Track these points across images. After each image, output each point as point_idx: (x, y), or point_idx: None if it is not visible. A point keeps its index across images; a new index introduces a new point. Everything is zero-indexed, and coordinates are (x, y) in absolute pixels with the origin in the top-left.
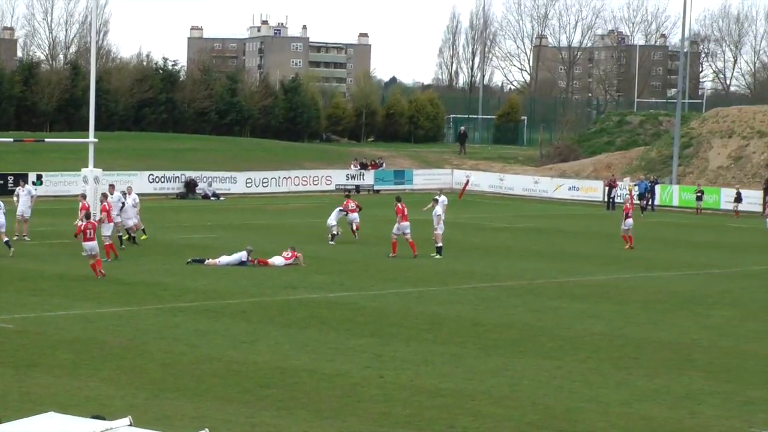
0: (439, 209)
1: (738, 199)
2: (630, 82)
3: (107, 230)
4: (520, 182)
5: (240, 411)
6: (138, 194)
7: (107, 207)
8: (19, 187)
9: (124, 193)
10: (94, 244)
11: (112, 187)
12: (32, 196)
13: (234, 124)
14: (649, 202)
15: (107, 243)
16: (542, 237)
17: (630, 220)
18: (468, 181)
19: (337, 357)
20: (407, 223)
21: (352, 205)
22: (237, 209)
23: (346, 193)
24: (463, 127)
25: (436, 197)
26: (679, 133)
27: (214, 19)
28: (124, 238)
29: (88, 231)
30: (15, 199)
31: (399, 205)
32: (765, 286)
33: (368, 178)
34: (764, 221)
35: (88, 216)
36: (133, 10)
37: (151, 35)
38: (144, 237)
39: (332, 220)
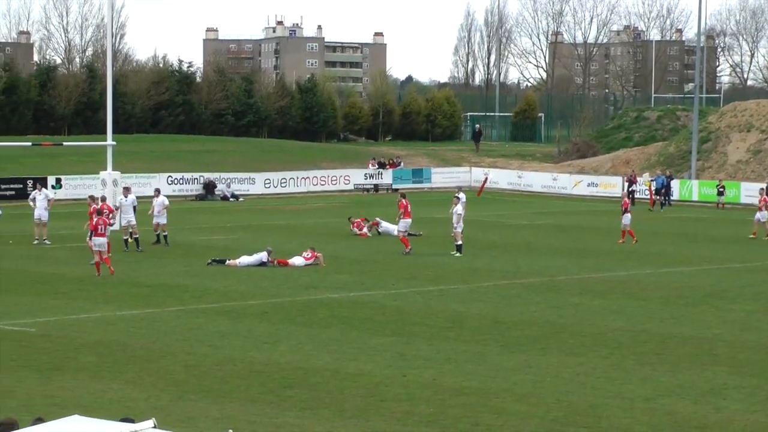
0: (459, 208)
1: None
2: (647, 77)
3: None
4: (538, 179)
5: (264, 411)
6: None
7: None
8: (36, 191)
9: (158, 191)
10: (104, 240)
11: (126, 189)
12: (49, 200)
13: (251, 125)
14: (667, 197)
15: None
16: (562, 233)
17: (628, 215)
18: (486, 179)
19: (359, 356)
20: (410, 220)
21: (362, 227)
22: (256, 210)
23: (350, 218)
24: (477, 125)
25: (458, 195)
26: (697, 128)
27: (229, 21)
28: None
29: (99, 227)
30: (31, 203)
31: (403, 201)
32: None
33: (386, 177)
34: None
35: (99, 213)
36: (149, 12)
37: (166, 37)
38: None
39: (392, 230)
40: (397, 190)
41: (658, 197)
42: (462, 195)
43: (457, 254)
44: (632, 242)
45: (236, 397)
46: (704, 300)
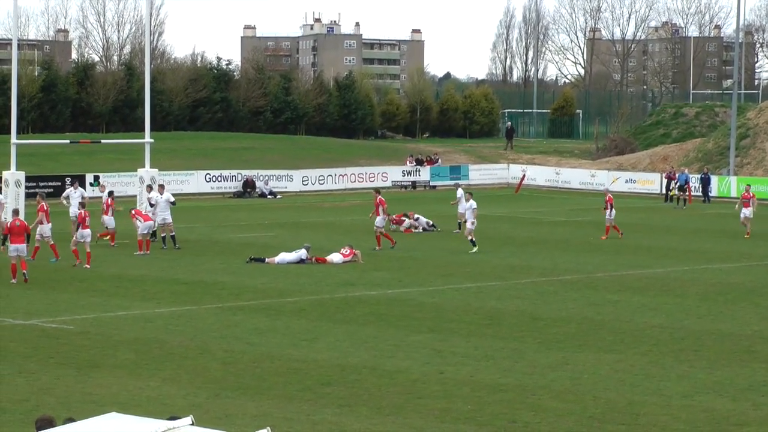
0: (474, 203)
1: None
2: (685, 73)
3: (144, 228)
4: (576, 176)
5: (301, 409)
6: (195, 194)
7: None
8: (71, 189)
9: (160, 186)
10: (88, 231)
11: (161, 187)
12: (84, 198)
13: (289, 123)
14: (706, 195)
15: (140, 239)
16: (600, 230)
17: (613, 211)
18: (524, 176)
19: (397, 353)
20: (382, 217)
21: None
22: (294, 207)
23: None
24: (509, 123)
25: (469, 192)
26: (735, 125)
27: (267, 18)
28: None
29: (86, 219)
30: (64, 201)
31: (379, 197)
32: None
33: (424, 174)
34: None
35: (83, 205)
36: (187, 10)
37: (204, 35)
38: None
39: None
40: (435, 187)
41: (680, 194)
42: (461, 191)
43: (474, 249)
44: (602, 237)
45: (274, 395)
46: (743, 297)
